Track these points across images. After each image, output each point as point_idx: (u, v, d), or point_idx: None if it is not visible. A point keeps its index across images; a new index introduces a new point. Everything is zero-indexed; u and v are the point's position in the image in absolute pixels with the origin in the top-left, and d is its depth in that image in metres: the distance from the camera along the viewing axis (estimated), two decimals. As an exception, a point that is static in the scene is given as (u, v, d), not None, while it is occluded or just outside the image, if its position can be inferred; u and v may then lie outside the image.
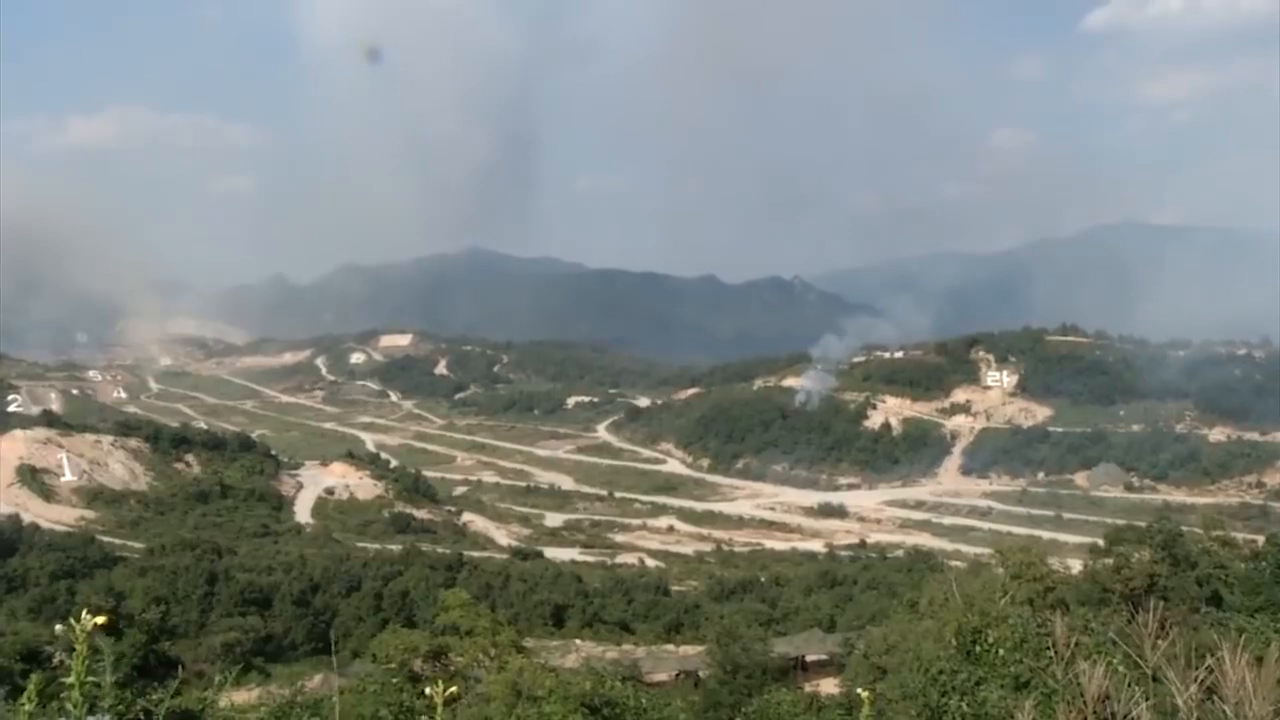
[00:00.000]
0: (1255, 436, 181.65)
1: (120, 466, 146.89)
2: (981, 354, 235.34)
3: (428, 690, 5.89)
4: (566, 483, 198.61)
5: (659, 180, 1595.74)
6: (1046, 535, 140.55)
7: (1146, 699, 7.13)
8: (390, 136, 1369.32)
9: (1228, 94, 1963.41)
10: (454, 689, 5.89)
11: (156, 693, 13.73)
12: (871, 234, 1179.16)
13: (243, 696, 37.14)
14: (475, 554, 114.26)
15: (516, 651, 35.38)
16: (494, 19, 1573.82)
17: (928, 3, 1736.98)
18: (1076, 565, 79.45)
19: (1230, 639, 6.98)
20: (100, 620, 4.87)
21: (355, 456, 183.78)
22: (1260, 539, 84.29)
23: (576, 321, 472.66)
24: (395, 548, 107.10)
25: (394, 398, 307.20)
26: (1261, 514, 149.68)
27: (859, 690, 9.26)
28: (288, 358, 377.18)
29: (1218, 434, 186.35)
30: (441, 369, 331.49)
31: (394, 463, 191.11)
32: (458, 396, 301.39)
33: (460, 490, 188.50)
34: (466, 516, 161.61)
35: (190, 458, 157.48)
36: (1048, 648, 10.26)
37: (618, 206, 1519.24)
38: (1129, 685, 6.94)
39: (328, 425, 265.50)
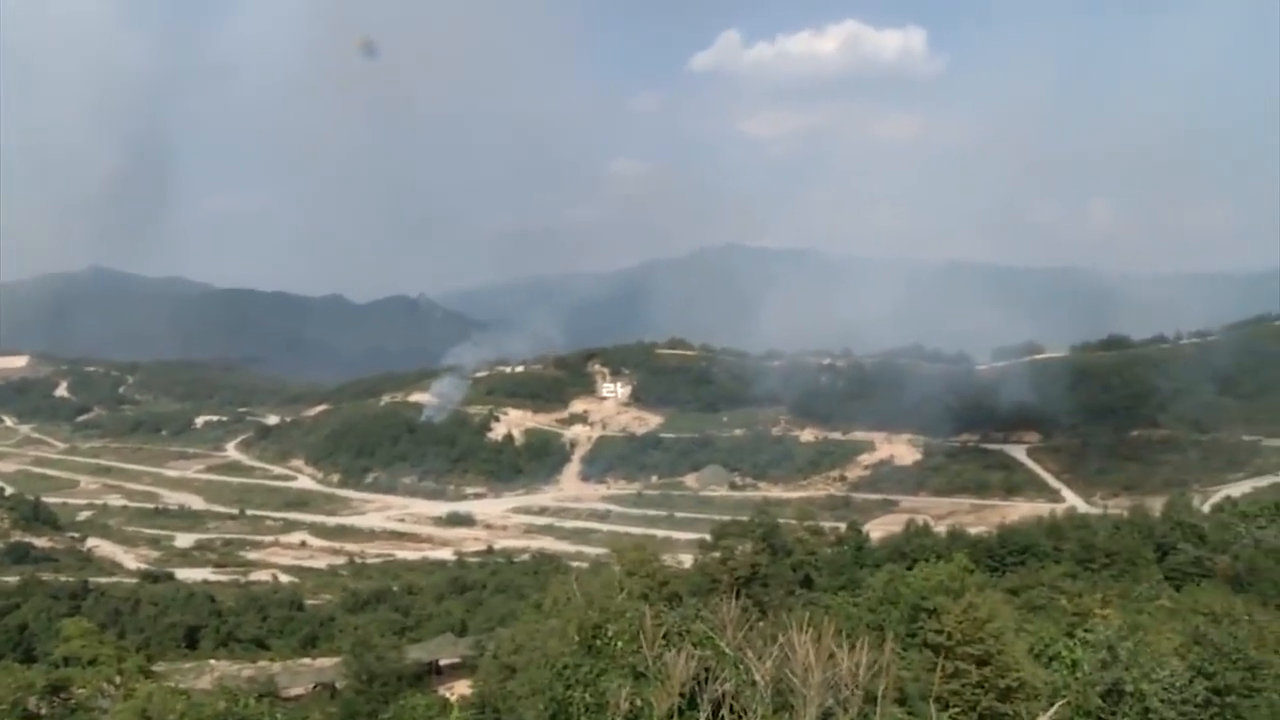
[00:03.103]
0: (838, 436, 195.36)
1: None
2: (598, 367, 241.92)
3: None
4: (197, 503, 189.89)
5: (290, 201, 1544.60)
6: (661, 533, 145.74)
7: (739, 679, 7.65)
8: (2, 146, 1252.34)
9: (813, 133, 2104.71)
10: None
11: None
12: (501, 254, 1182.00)
13: None
14: (102, 580, 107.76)
15: (145, 677, 33.66)
16: (125, 33, 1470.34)
17: (552, 40, 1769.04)
18: (689, 559, 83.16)
19: (801, 618, 7.63)
20: None
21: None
22: (843, 526, 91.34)
23: (206, 341, 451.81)
24: (12, 579, 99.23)
25: (9, 422, 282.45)
26: (845, 504, 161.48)
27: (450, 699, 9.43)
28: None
29: (808, 435, 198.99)
30: (62, 391, 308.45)
31: (9, 490, 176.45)
32: (80, 419, 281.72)
33: (85, 515, 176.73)
34: (92, 542, 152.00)
35: None
36: (659, 638, 10.73)
37: (248, 226, 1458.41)
38: (718, 667, 7.43)
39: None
